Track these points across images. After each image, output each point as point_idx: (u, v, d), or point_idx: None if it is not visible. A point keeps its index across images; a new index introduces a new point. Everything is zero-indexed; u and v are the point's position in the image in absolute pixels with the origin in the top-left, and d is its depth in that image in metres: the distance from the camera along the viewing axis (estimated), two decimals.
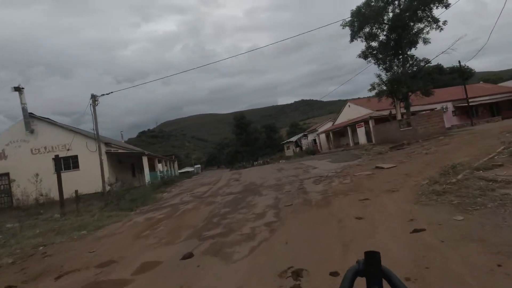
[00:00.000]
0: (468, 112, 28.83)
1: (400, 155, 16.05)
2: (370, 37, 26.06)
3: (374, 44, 26.82)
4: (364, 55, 27.09)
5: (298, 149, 53.48)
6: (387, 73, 26.08)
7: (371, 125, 29.67)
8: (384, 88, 25.82)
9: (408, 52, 25.61)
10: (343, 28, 25.32)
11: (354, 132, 34.52)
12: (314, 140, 48.44)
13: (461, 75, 58.88)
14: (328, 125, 46.96)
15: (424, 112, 21.68)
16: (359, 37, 25.59)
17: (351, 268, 0.73)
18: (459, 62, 27.68)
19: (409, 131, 22.43)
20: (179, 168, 67.08)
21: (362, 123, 32.01)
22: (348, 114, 39.14)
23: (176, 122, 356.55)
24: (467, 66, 56.54)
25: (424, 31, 25.13)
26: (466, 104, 28.15)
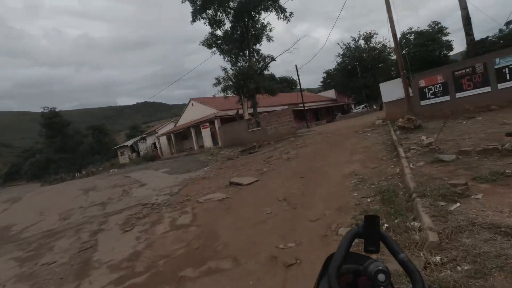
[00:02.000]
0: (302, 116, 30.72)
1: (256, 161, 12.46)
2: (215, 23, 22.36)
3: (219, 33, 23.35)
4: (208, 43, 23.16)
5: (135, 154, 44.52)
6: (233, 67, 23.07)
7: (217, 126, 26.21)
8: (231, 83, 22.69)
9: (254, 47, 23.56)
10: (182, 3, 20.31)
11: (198, 134, 30.31)
12: (154, 144, 41.30)
13: (289, 84, 67.53)
14: (170, 127, 41.06)
15: (273, 111, 20.04)
16: (202, 18, 21.33)
17: (351, 230, 0.74)
18: (296, 67, 28.79)
19: (258, 132, 20.04)
20: None
21: (207, 124, 28.20)
22: (192, 114, 34.71)
23: None
24: (293, 78, 65.13)
25: (267, 28, 23.84)
26: (302, 108, 29.67)
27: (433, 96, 11.78)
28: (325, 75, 78.48)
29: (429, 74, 12.04)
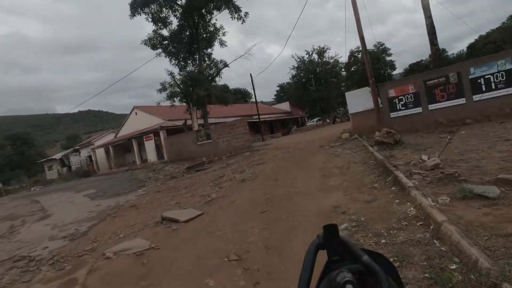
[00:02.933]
0: (257, 128, 28.92)
1: (204, 182, 10.00)
2: (159, 21, 19.63)
3: (165, 33, 20.64)
4: (152, 43, 20.31)
5: (65, 169, 38.35)
6: (181, 72, 20.48)
7: (162, 138, 23.02)
8: (178, 90, 19.99)
9: (205, 51, 21.30)
10: None
11: (142, 146, 26.62)
12: (90, 157, 35.96)
13: (243, 96, 66.16)
14: (109, 137, 36.21)
15: (225, 122, 17.69)
16: (144, 13, 18.47)
17: (313, 242, 0.72)
18: (251, 75, 27.11)
19: (208, 145, 17.51)
20: None
21: (151, 135, 24.81)
22: (136, 124, 30.79)
23: None
24: (247, 90, 63.96)
25: (220, 32, 21.80)
26: (257, 120, 27.84)
27: (404, 108, 10.65)
28: (278, 88, 79.42)
29: (400, 83, 10.96)
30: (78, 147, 38.15)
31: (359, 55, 54.13)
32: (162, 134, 23.71)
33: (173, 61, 20.69)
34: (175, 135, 20.88)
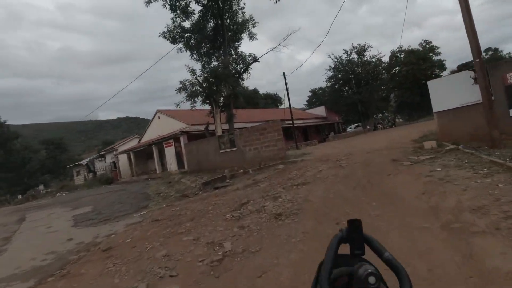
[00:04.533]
0: (291, 134, 25.39)
1: (218, 212, 6.72)
2: (179, 10, 17.02)
3: (186, 25, 18.01)
4: (171, 36, 17.72)
5: (91, 175, 37.36)
6: (203, 69, 17.67)
7: (182, 144, 20.30)
8: (200, 89, 17.15)
9: (232, 44, 18.36)
10: None
11: (162, 153, 24.21)
12: (114, 163, 34.57)
13: (274, 101, 62.89)
14: (133, 143, 34.62)
15: (253, 126, 14.31)
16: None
17: (336, 235, 0.74)
18: (284, 74, 23.71)
19: (232, 154, 14.33)
20: None
21: (171, 141, 22.26)
22: (159, 129, 28.66)
23: None
24: (278, 94, 60.52)
25: (250, 23, 18.75)
26: (291, 125, 24.26)
27: None
28: (310, 94, 75.06)
29: None
30: (104, 153, 36.98)
31: (401, 55, 48.82)
32: (182, 140, 21.02)
33: (195, 56, 17.94)
34: (195, 141, 17.98)
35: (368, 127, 37.74)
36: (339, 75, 39.16)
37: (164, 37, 17.61)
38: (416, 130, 17.72)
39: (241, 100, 17.27)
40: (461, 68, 70.47)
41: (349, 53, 38.80)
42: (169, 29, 17.61)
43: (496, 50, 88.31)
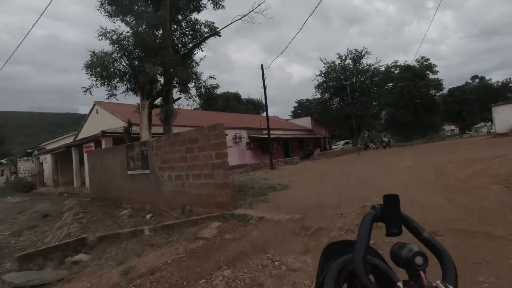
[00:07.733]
0: (265, 148, 19.22)
1: None
2: None
3: None
4: None
5: (14, 177, 29.46)
6: (131, 30, 11.18)
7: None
8: (120, 67, 10.74)
9: (182, 14, 12.07)
10: None
11: (83, 160, 17.36)
12: (42, 164, 27.09)
13: (256, 107, 56.84)
14: (69, 140, 27.29)
15: (179, 132, 7.79)
16: None
17: (369, 213, 0.65)
18: (262, 66, 17.55)
19: (145, 181, 7.85)
20: None
21: (92, 145, 15.50)
22: (96, 125, 21.72)
23: None
24: (261, 101, 54.50)
25: None
26: (267, 136, 17.80)
27: None
28: (296, 105, 69.57)
29: None
30: (31, 150, 29.17)
31: (396, 71, 44.19)
32: (104, 145, 14.33)
33: (120, 18, 11.42)
34: (99, 150, 11.40)
35: (359, 145, 32.21)
36: (331, 83, 33.57)
37: None
38: (446, 155, 12.17)
39: (182, 87, 10.90)
40: (453, 91, 67.21)
41: (343, 58, 33.39)
42: None
43: (482, 78, 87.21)
